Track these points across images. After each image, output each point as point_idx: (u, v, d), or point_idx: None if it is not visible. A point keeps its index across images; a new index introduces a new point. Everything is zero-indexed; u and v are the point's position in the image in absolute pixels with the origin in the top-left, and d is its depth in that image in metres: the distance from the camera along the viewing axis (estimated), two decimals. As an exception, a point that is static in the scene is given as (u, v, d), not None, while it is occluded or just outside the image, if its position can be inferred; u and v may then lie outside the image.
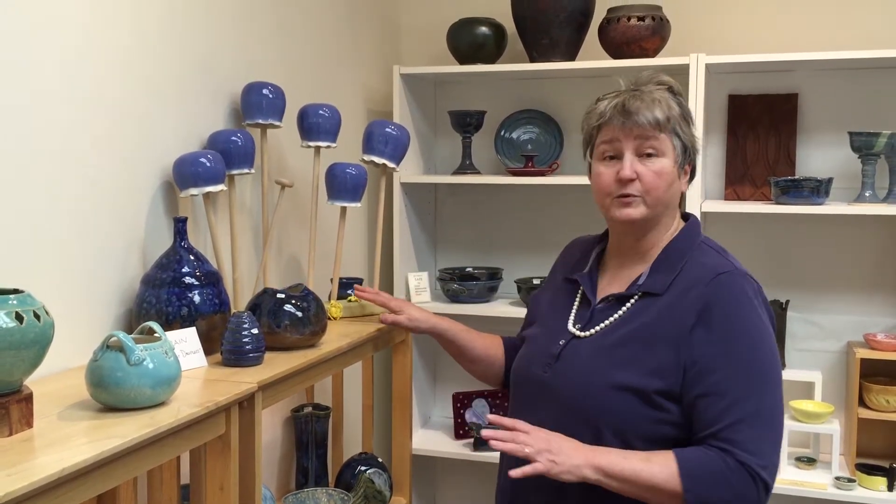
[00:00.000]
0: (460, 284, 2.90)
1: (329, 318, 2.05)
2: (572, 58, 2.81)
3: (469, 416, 2.98)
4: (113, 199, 1.75)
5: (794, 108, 2.77)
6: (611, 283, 1.62)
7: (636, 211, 1.53)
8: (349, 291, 2.39)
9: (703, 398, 1.44)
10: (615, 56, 2.73)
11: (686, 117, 1.58)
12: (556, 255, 1.85)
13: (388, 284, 2.93)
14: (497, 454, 1.61)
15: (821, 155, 2.78)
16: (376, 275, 2.43)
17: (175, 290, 1.71)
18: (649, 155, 1.52)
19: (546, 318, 1.70)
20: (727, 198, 2.83)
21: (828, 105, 2.76)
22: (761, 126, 2.80)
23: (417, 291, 2.93)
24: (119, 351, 1.34)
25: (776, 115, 2.79)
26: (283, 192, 2.18)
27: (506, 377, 1.87)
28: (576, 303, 1.65)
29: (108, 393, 1.34)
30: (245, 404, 1.57)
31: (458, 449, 2.92)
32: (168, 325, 1.66)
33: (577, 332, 1.58)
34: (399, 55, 3.17)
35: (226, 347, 1.70)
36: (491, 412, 2.98)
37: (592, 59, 2.80)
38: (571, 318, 1.62)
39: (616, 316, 1.55)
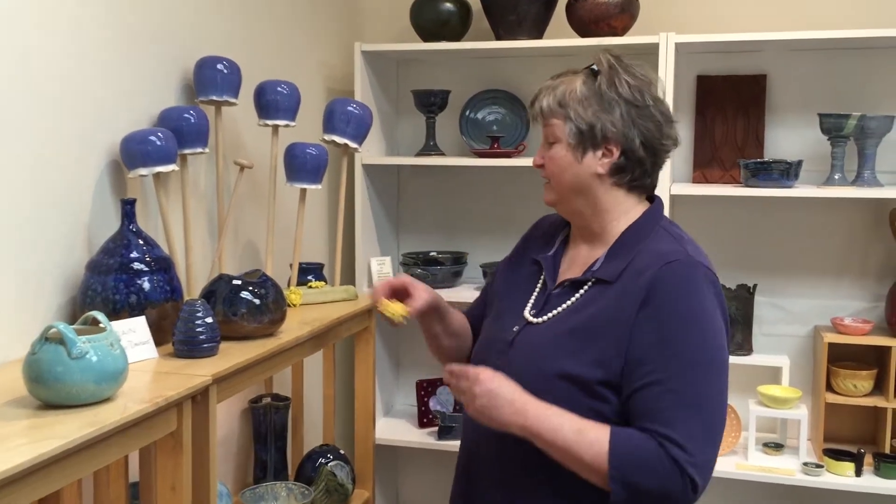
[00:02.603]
0: (424, 269, 2.86)
1: (288, 306, 2.01)
2: (539, 36, 2.76)
3: (433, 404, 2.94)
4: (56, 180, 1.69)
5: (762, 89, 2.75)
6: (570, 267, 1.64)
7: (548, 195, 1.63)
8: (309, 277, 2.35)
9: (641, 389, 1.44)
10: (583, 34, 2.68)
11: (598, 98, 1.53)
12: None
13: (349, 270, 2.88)
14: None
15: (790, 137, 2.76)
16: (338, 260, 2.40)
17: (122, 276, 1.68)
18: (551, 142, 1.60)
19: (506, 301, 1.70)
20: (695, 180, 2.80)
21: (797, 86, 2.74)
22: (729, 107, 2.78)
23: (380, 277, 2.87)
24: (59, 343, 1.30)
25: (745, 97, 2.76)
26: (241, 173, 2.13)
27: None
28: (537, 286, 1.65)
29: (48, 389, 1.30)
30: (198, 398, 1.53)
31: (422, 438, 2.89)
32: (115, 315, 1.62)
33: (531, 319, 1.59)
34: (361, 32, 3.10)
35: (178, 338, 1.67)
36: (456, 400, 2.94)
37: (560, 37, 2.75)
38: (530, 302, 1.63)
39: (569, 303, 1.56)
